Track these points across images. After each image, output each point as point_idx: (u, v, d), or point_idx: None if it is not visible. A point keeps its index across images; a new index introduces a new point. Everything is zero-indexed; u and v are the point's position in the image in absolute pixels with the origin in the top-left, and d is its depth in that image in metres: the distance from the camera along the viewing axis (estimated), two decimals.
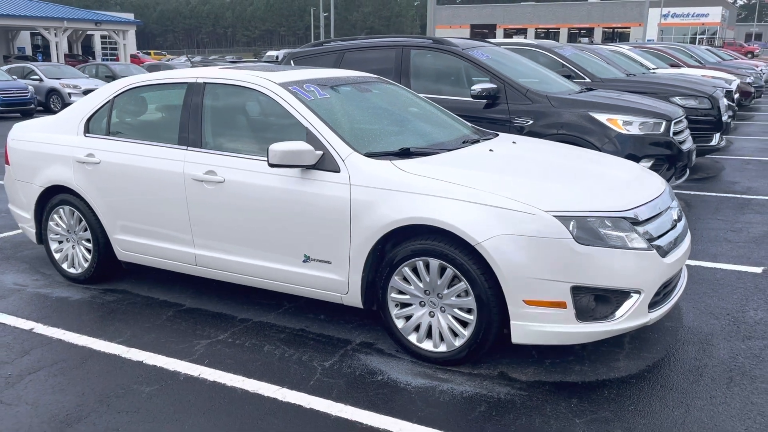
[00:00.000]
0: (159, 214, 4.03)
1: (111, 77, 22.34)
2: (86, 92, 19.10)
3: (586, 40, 57.89)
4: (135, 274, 4.72)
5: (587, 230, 3.00)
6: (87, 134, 4.40)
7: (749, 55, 41.70)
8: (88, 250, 4.47)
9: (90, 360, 3.41)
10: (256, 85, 3.83)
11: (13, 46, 39.34)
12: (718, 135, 8.14)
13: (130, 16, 47.58)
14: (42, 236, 4.70)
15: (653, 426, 2.76)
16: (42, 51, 40.24)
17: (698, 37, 58.66)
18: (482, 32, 65.86)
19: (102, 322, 3.90)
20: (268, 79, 3.84)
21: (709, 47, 22.33)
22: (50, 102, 19.28)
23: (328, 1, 70.97)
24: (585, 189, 3.22)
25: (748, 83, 15.19)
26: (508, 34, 64.30)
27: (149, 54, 55.02)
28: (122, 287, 4.48)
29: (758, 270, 4.68)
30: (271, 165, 3.40)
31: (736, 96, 11.98)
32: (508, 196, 3.08)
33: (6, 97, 16.97)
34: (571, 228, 2.98)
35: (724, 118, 8.28)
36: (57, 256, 4.62)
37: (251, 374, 3.23)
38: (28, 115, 17.79)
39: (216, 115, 3.95)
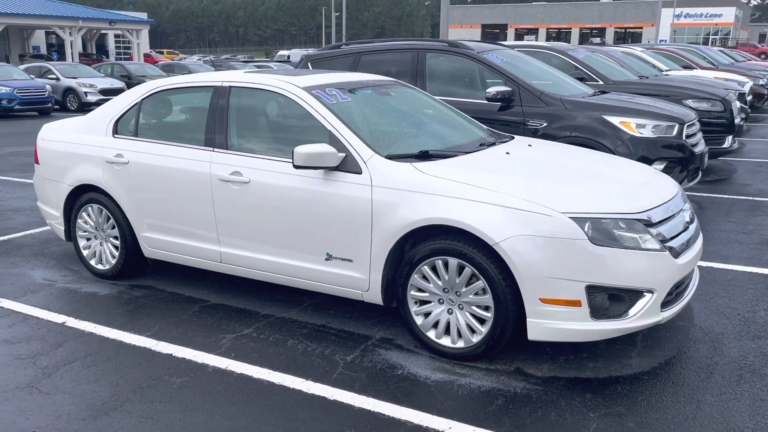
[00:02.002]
0: (185, 212, 4.17)
1: (126, 76, 22.61)
2: (102, 91, 19.36)
3: (597, 40, 57.71)
4: (160, 271, 4.87)
5: (602, 231, 3.11)
6: (115, 135, 4.55)
7: (763, 56, 41.49)
8: (116, 247, 4.62)
9: (121, 352, 3.56)
10: (280, 89, 3.96)
11: (29, 45, 39.80)
12: (730, 137, 8.20)
13: (144, 16, 47.97)
14: (70, 233, 4.86)
15: (665, 420, 2.87)
16: (57, 50, 40.66)
17: (711, 37, 58.34)
18: (493, 32, 65.83)
19: (131, 316, 4.05)
20: (292, 84, 3.98)
21: (722, 48, 22.28)
22: (67, 101, 19.56)
23: (339, 0, 71.14)
24: (599, 191, 3.32)
25: (761, 85, 15.17)
26: (519, 34, 64.23)
27: (162, 53, 55.45)
28: (148, 283, 4.63)
29: None
30: (296, 167, 3.53)
31: (749, 98, 12.00)
32: (525, 197, 3.20)
33: (24, 95, 17.24)
34: (586, 229, 3.09)
35: (737, 120, 8.34)
36: (85, 252, 4.78)
37: (276, 367, 3.37)
38: (45, 113, 18.07)
39: (241, 117, 4.08)
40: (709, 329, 3.79)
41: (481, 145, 4.09)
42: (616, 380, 3.22)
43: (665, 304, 3.26)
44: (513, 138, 4.48)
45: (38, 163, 4.98)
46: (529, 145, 4.20)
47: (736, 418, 2.88)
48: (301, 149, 3.50)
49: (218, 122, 4.11)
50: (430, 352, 3.51)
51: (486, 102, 6.05)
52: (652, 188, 3.53)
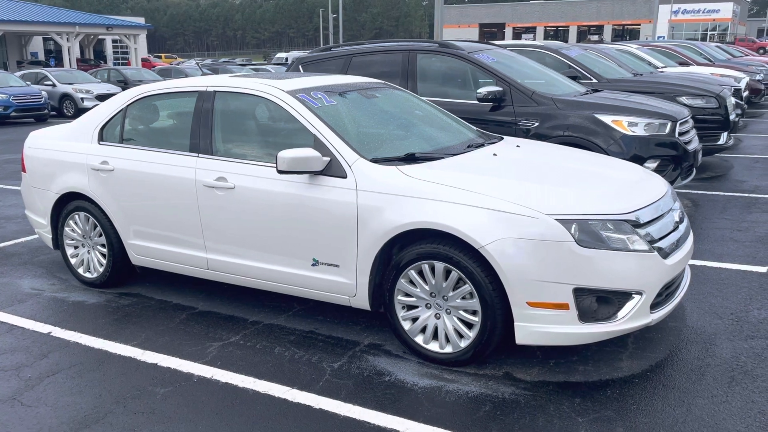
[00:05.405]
0: (172, 219, 4.13)
1: (123, 81, 22.59)
2: (99, 97, 19.33)
3: (595, 37, 57.62)
4: (148, 278, 4.83)
5: (589, 233, 3.06)
6: (101, 142, 4.51)
7: (761, 51, 41.32)
8: (103, 255, 4.58)
9: (106, 362, 3.52)
10: (264, 93, 3.92)
11: (26, 51, 39.80)
12: (725, 134, 8.15)
13: (141, 20, 47.97)
14: (58, 241, 4.82)
15: (655, 424, 2.82)
16: (54, 56, 40.66)
17: (709, 33, 58.21)
18: (491, 31, 65.77)
19: (117, 325, 4.00)
20: (276, 87, 3.93)
21: (719, 44, 22.21)
22: (63, 107, 19.53)
23: (336, 2, 71.17)
24: (587, 192, 3.28)
25: (758, 80, 15.11)
26: (517, 33, 64.17)
27: (160, 57, 55.48)
28: (136, 291, 4.59)
29: (763, 269, 4.71)
30: (280, 171, 3.49)
31: (746, 94, 11.95)
32: (511, 200, 3.15)
33: (20, 102, 17.22)
34: (572, 231, 3.04)
35: (732, 116, 8.29)
36: (73, 261, 4.74)
37: (262, 375, 3.32)
38: (42, 120, 18.04)
39: (226, 122, 4.04)
40: (702, 330, 3.74)
41: (468, 146, 4.05)
42: (606, 384, 3.17)
43: (655, 305, 3.22)
44: (502, 139, 4.43)
45: (25, 172, 4.94)
46: (518, 146, 4.15)
47: (727, 420, 2.84)
48: (285, 154, 3.46)
49: (203, 127, 4.07)
50: (419, 358, 3.46)
51: (477, 102, 6.00)
52: (640, 188, 3.49)
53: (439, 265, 3.27)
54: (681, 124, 6.05)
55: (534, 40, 42.34)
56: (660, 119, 5.84)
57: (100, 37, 41.06)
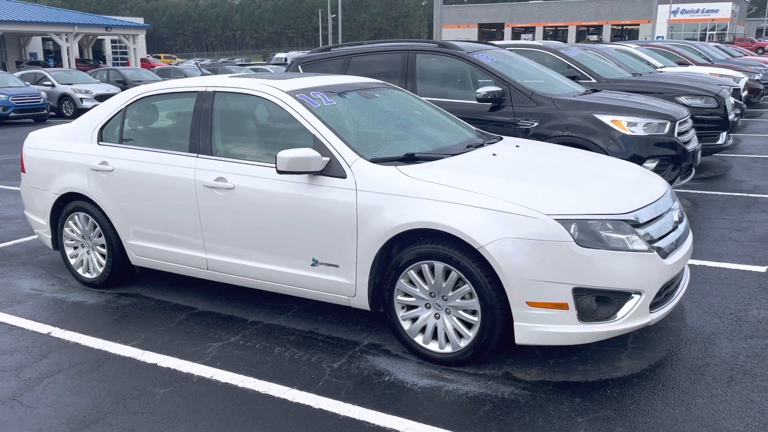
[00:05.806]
0: (171, 219, 4.13)
1: (122, 82, 22.58)
2: (98, 97, 19.32)
3: (594, 37, 57.65)
4: (148, 279, 4.83)
5: (588, 233, 3.06)
6: (100, 142, 4.51)
7: (760, 51, 41.32)
8: (103, 256, 4.58)
9: (106, 363, 3.52)
10: (264, 93, 3.92)
11: (26, 51, 39.78)
12: (724, 134, 8.15)
13: (140, 21, 47.98)
14: (57, 242, 4.82)
15: (654, 424, 2.83)
16: (53, 56, 40.65)
17: (708, 33, 58.23)
18: (490, 31, 65.82)
19: (117, 325, 4.01)
20: (275, 87, 3.94)
21: (718, 44, 22.21)
22: (62, 107, 19.52)
23: (336, 2, 71.20)
24: (586, 192, 3.28)
25: (757, 80, 15.13)
26: (516, 33, 64.20)
27: (159, 58, 55.47)
28: (136, 291, 4.59)
29: (762, 269, 4.72)
30: (279, 172, 3.49)
31: (744, 93, 11.95)
32: (511, 200, 3.16)
33: (19, 103, 17.21)
34: (572, 231, 3.04)
35: (731, 116, 8.30)
36: (72, 261, 4.74)
37: (262, 376, 3.33)
38: (41, 120, 18.04)
39: (225, 122, 4.04)
40: (701, 329, 3.75)
41: (468, 146, 4.05)
42: (605, 383, 3.18)
43: (654, 305, 3.22)
44: (501, 139, 4.44)
45: (24, 172, 4.94)
46: (517, 146, 4.15)
47: (726, 420, 2.84)
48: (285, 154, 3.46)
49: (202, 128, 4.07)
50: (418, 358, 3.46)
51: (477, 102, 6.01)
52: (639, 188, 3.49)
53: (439, 265, 3.27)
54: (680, 123, 6.05)
55: (533, 40, 42.38)
56: (659, 119, 5.85)
57: (99, 37, 41.05)
